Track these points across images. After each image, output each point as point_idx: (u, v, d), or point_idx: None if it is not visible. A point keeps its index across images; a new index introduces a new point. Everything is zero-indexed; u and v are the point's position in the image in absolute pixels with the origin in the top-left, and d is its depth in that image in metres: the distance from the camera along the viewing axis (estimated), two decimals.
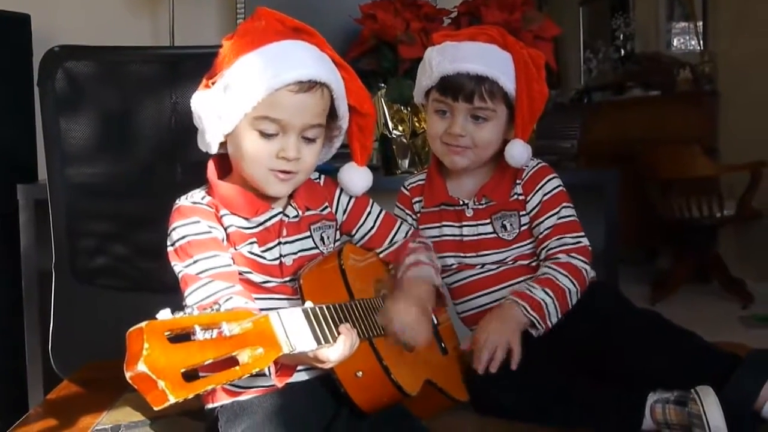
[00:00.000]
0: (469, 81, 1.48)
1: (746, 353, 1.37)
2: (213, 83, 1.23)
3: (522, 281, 1.53)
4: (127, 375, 0.83)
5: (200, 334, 0.87)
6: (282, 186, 1.28)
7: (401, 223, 1.48)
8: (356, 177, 1.39)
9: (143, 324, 0.83)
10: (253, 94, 1.20)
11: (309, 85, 1.23)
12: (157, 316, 0.85)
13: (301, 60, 1.24)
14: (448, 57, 1.49)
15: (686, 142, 4.42)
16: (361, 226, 1.42)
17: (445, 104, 1.51)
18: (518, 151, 1.51)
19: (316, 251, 1.33)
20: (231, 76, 1.21)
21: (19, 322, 2.18)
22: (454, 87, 1.49)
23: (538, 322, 1.43)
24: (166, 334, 0.84)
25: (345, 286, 1.24)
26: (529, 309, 1.43)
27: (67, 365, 1.77)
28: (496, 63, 1.49)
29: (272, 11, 1.26)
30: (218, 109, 1.22)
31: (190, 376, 0.85)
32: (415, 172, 2.21)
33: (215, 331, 0.88)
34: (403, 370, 1.25)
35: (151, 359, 0.81)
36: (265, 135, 1.23)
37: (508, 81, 1.49)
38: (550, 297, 1.44)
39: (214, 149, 1.27)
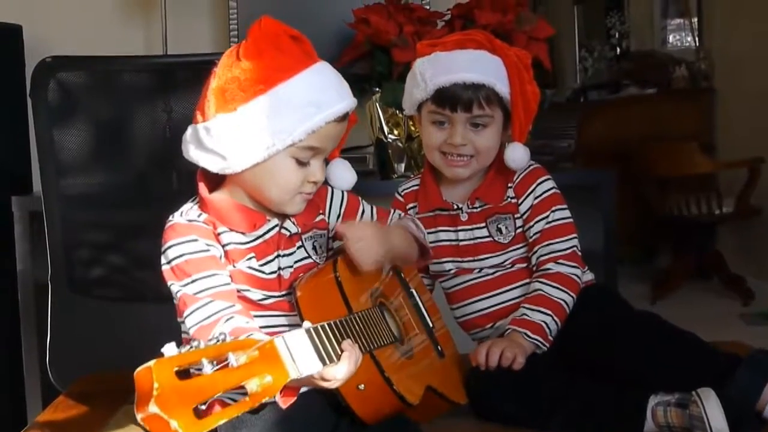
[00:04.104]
0: (466, 90, 1.47)
1: (747, 353, 1.37)
2: (236, 107, 1.19)
3: (521, 285, 1.53)
4: (138, 416, 0.82)
5: (208, 368, 0.85)
6: (303, 205, 1.29)
7: (394, 212, 1.48)
8: (343, 171, 1.39)
9: (151, 363, 0.82)
10: (304, 127, 1.20)
11: (347, 114, 1.26)
12: (163, 351, 0.84)
13: (344, 89, 1.26)
14: (442, 68, 1.48)
15: (683, 140, 4.42)
16: None
17: (443, 115, 1.51)
18: (519, 155, 1.52)
19: (309, 261, 1.32)
20: (270, 104, 1.19)
21: (16, 335, 2.18)
22: (451, 98, 1.48)
23: (542, 343, 1.44)
24: (175, 370, 0.83)
25: (342, 299, 1.23)
26: (530, 334, 1.43)
27: (66, 377, 1.76)
28: (489, 69, 1.49)
29: (275, 21, 1.24)
30: (252, 136, 1.20)
31: (200, 409, 0.84)
32: (411, 176, 2.21)
33: (222, 363, 0.87)
34: (405, 380, 1.25)
35: (163, 399, 0.80)
36: (301, 163, 1.24)
37: (502, 86, 1.49)
38: (549, 315, 1.45)
39: (229, 173, 1.24)
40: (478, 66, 1.48)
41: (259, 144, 1.20)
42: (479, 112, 1.49)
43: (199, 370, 0.85)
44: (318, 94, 1.21)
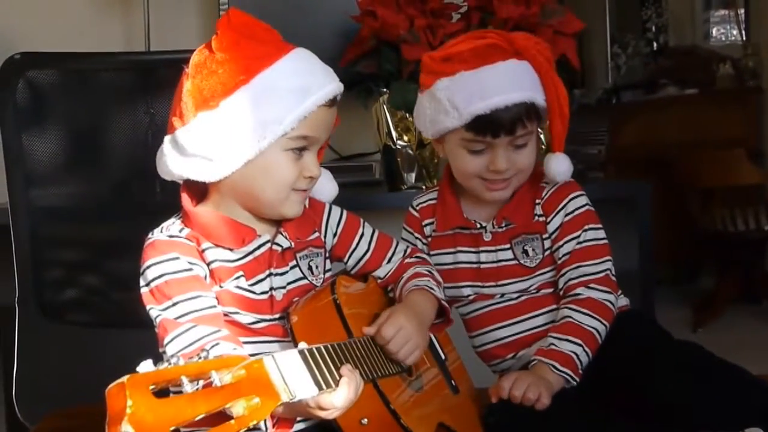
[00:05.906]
0: (507, 112, 1.45)
1: None
2: (218, 103, 1.21)
3: (548, 312, 1.53)
4: None
5: (188, 386, 0.86)
6: (301, 206, 1.31)
7: (398, 243, 1.49)
8: (323, 182, 1.39)
9: (124, 378, 0.83)
10: (295, 113, 1.22)
11: (335, 98, 1.28)
12: (138, 368, 0.85)
13: (329, 71, 1.29)
14: (474, 92, 1.44)
15: (729, 146, 4.42)
16: (355, 250, 1.43)
17: (483, 143, 1.48)
18: (564, 167, 1.52)
19: (305, 282, 1.33)
20: (255, 93, 1.21)
21: None
22: (493, 125, 1.45)
23: (572, 377, 1.43)
24: (151, 388, 0.83)
25: (342, 324, 1.24)
26: (559, 366, 1.42)
27: (34, 413, 1.77)
28: (524, 81, 1.47)
29: (244, 13, 1.28)
30: (239, 131, 1.22)
31: None
32: (424, 187, 2.22)
33: (204, 382, 0.88)
34: (414, 414, 1.25)
35: (137, 418, 0.81)
36: (296, 154, 1.26)
37: (539, 96, 1.48)
38: (579, 344, 1.44)
39: (219, 177, 1.25)
40: (514, 82, 1.46)
41: (248, 138, 1.22)
42: (522, 132, 1.47)
43: (179, 389, 0.85)
44: (305, 78, 1.25)
